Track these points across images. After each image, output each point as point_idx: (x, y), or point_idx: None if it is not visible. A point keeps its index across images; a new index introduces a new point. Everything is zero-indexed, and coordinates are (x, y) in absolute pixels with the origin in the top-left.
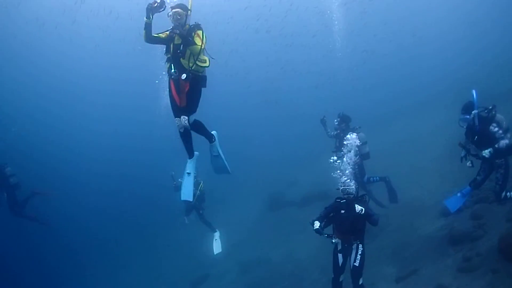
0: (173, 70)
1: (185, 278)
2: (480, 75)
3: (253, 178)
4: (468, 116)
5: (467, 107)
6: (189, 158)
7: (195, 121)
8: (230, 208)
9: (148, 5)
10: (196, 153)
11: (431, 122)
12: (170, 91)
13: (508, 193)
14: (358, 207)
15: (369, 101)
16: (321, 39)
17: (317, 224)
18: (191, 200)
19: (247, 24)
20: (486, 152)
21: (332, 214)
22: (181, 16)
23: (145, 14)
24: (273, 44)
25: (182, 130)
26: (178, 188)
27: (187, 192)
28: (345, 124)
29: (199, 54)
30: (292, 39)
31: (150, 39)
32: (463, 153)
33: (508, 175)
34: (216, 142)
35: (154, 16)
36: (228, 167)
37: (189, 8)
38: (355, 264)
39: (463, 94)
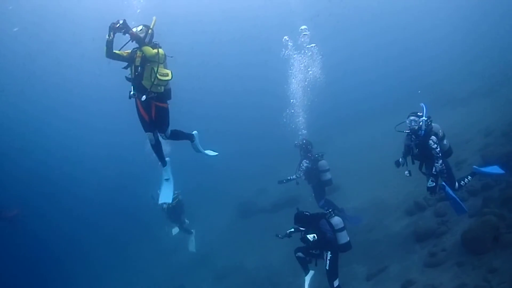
0: (132, 92)
1: None
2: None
3: (223, 187)
4: (418, 118)
5: (417, 113)
6: (163, 166)
7: (172, 131)
8: (202, 216)
9: (110, 24)
10: (167, 159)
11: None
12: (137, 108)
13: (462, 182)
14: (310, 237)
15: (343, 101)
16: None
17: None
18: (170, 201)
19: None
20: (430, 183)
21: None
22: (142, 31)
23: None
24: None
25: (153, 143)
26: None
27: (166, 195)
28: (304, 152)
29: (157, 68)
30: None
31: (111, 55)
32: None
33: (452, 173)
34: (197, 141)
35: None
36: (213, 153)
37: (150, 27)
38: (326, 268)
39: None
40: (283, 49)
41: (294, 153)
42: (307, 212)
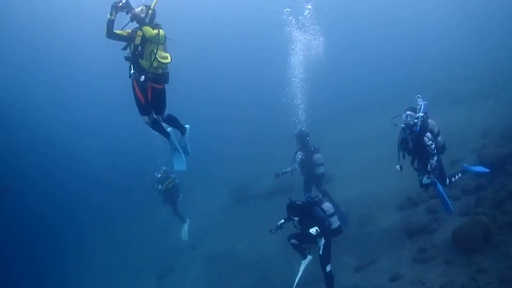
0: (132, 71)
1: (150, 271)
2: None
3: (218, 172)
4: (414, 114)
5: (414, 109)
6: (168, 139)
7: (168, 115)
8: (196, 200)
9: (113, 3)
10: (169, 130)
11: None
12: (134, 90)
13: (452, 179)
14: (313, 231)
15: (342, 92)
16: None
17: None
18: (185, 169)
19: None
20: (425, 180)
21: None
22: (141, 11)
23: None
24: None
25: (150, 125)
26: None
27: (179, 164)
28: (301, 144)
29: (156, 50)
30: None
31: (112, 35)
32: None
33: (444, 170)
34: (187, 135)
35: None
36: (185, 163)
37: (151, 7)
38: (320, 253)
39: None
40: (285, 26)
41: (291, 140)
42: (299, 201)
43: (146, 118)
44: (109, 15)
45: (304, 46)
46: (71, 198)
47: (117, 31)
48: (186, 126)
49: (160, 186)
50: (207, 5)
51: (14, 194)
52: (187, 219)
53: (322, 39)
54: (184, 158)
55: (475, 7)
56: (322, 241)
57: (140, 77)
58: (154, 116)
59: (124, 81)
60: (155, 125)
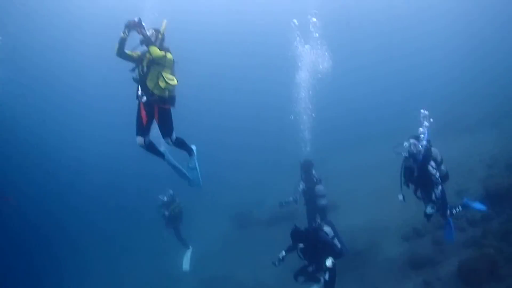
0: (139, 92)
1: None
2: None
3: (221, 197)
4: (418, 142)
5: (417, 137)
6: (163, 159)
7: (177, 138)
8: (197, 223)
9: (127, 22)
10: (163, 149)
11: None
12: (138, 110)
13: (453, 210)
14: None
15: (346, 121)
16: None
17: (282, 253)
18: (201, 185)
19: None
20: (429, 210)
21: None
22: (152, 35)
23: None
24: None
25: (144, 147)
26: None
27: (196, 182)
28: (304, 173)
29: (161, 75)
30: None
31: (122, 54)
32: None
33: (446, 200)
34: (195, 156)
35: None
36: (200, 180)
37: (161, 31)
38: (326, 278)
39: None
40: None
41: (295, 167)
42: (302, 228)
43: (140, 139)
44: (122, 33)
45: (310, 65)
46: (69, 213)
47: (127, 51)
48: (192, 146)
49: (166, 212)
50: (213, 29)
51: (12, 206)
52: (190, 246)
53: (328, 58)
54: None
55: (483, 37)
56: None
57: (143, 98)
58: (149, 139)
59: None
60: (149, 147)
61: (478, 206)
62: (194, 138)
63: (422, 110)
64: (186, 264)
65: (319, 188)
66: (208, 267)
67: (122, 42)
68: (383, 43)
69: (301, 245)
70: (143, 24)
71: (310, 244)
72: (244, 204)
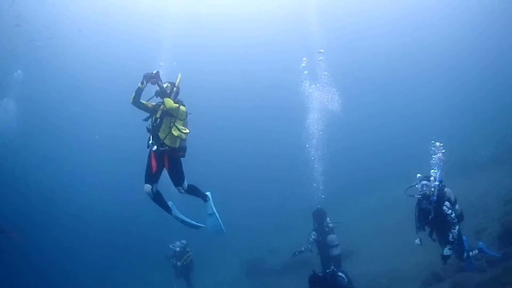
0: (150, 142)
1: None
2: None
3: (232, 242)
4: (430, 183)
5: (428, 178)
6: (170, 213)
7: (189, 185)
8: (208, 272)
9: (146, 73)
10: (169, 203)
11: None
12: (149, 158)
13: (470, 253)
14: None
15: (359, 164)
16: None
17: None
18: (224, 231)
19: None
20: (447, 251)
21: None
22: (167, 88)
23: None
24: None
25: (151, 196)
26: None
27: (217, 229)
28: (317, 222)
29: (173, 125)
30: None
31: (137, 103)
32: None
33: (462, 241)
34: (210, 201)
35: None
36: (222, 226)
37: (176, 85)
38: None
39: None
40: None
41: (307, 213)
42: (320, 273)
43: (148, 187)
44: (140, 84)
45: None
46: (73, 255)
47: (143, 101)
48: (207, 193)
49: (178, 263)
50: (221, 78)
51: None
52: None
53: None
54: (219, 224)
55: (491, 72)
56: None
57: (153, 147)
58: (157, 189)
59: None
60: (156, 197)
61: (493, 253)
62: (207, 186)
63: (434, 151)
64: None
65: (332, 237)
66: None
67: (139, 92)
68: (388, 84)
69: None
70: (160, 76)
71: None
72: (256, 252)
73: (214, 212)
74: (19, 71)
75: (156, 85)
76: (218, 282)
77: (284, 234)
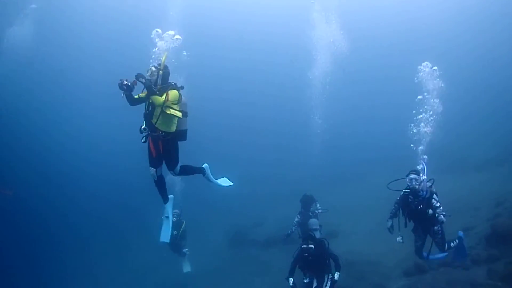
0: (143, 127)
1: None
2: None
3: (219, 210)
4: (419, 177)
5: (417, 171)
6: (165, 203)
7: (181, 167)
8: (191, 239)
9: (119, 84)
10: (170, 196)
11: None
12: (148, 143)
13: (451, 244)
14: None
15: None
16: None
17: (291, 281)
18: (168, 241)
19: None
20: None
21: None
22: (152, 74)
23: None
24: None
25: (155, 179)
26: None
27: (165, 235)
28: (305, 209)
29: (162, 111)
30: None
31: (134, 103)
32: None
33: (444, 235)
34: (208, 173)
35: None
36: (226, 184)
37: (161, 68)
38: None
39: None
40: None
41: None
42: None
43: (153, 170)
44: (121, 95)
45: None
46: (72, 208)
47: (136, 97)
48: (203, 166)
49: (175, 232)
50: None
51: (9, 197)
52: (186, 252)
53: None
54: (170, 230)
55: (491, 73)
56: (329, 277)
57: (146, 133)
58: (161, 173)
59: None
60: (159, 182)
61: (462, 248)
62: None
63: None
64: (186, 267)
65: (312, 221)
66: (196, 286)
67: (128, 98)
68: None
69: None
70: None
71: (317, 255)
72: (241, 221)
73: (213, 181)
74: None
75: (141, 82)
76: (201, 250)
77: (269, 211)
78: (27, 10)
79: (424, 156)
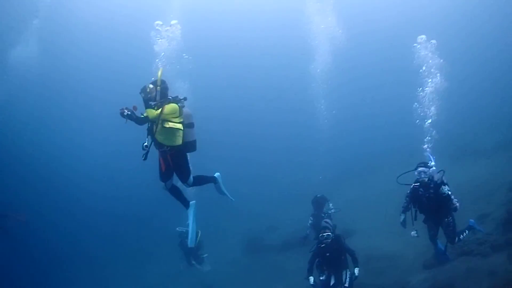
0: (144, 144)
1: None
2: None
3: (234, 222)
4: (428, 170)
5: (426, 164)
6: (187, 209)
7: (194, 178)
8: (207, 250)
9: (120, 113)
10: (192, 202)
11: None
12: (158, 157)
13: (461, 236)
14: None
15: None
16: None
17: (311, 280)
18: (194, 246)
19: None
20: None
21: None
22: (151, 91)
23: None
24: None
25: (167, 190)
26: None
27: (192, 240)
28: (317, 210)
29: (162, 126)
30: None
31: (140, 122)
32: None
33: (456, 227)
34: (220, 183)
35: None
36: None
37: (158, 84)
38: (346, 285)
39: None
40: None
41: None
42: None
43: (162, 184)
44: (125, 121)
45: None
46: (77, 225)
47: (142, 116)
48: (215, 175)
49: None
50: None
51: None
52: (204, 256)
53: None
54: (195, 235)
55: (499, 60)
56: (348, 273)
57: (144, 147)
58: (172, 183)
59: None
60: (172, 191)
61: (480, 228)
62: (210, 168)
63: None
64: (206, 266)
65: (326, 222)
66: None
67: (134, 120)
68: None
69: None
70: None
71: (334, 250)
72: (256, 225)
73: (223, 192)
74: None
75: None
76: (217, 257)
77: (282, 215)
78: (31, 27)
79: (425, 147)
